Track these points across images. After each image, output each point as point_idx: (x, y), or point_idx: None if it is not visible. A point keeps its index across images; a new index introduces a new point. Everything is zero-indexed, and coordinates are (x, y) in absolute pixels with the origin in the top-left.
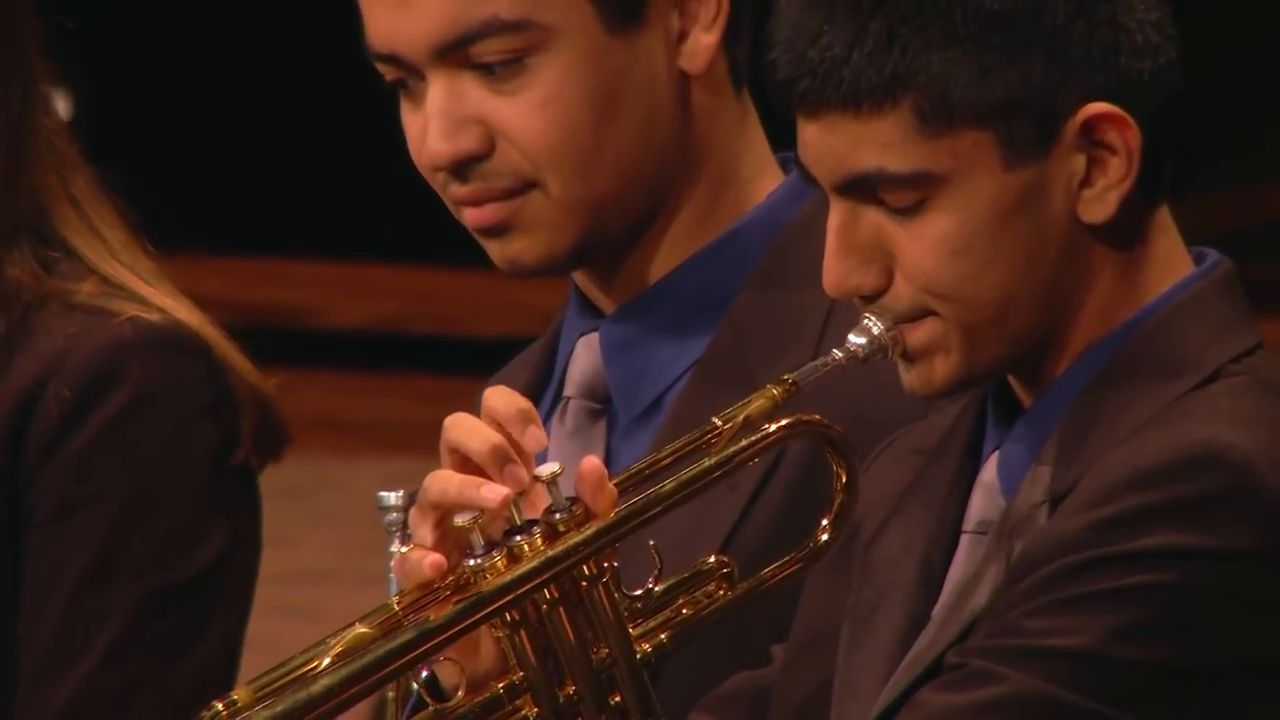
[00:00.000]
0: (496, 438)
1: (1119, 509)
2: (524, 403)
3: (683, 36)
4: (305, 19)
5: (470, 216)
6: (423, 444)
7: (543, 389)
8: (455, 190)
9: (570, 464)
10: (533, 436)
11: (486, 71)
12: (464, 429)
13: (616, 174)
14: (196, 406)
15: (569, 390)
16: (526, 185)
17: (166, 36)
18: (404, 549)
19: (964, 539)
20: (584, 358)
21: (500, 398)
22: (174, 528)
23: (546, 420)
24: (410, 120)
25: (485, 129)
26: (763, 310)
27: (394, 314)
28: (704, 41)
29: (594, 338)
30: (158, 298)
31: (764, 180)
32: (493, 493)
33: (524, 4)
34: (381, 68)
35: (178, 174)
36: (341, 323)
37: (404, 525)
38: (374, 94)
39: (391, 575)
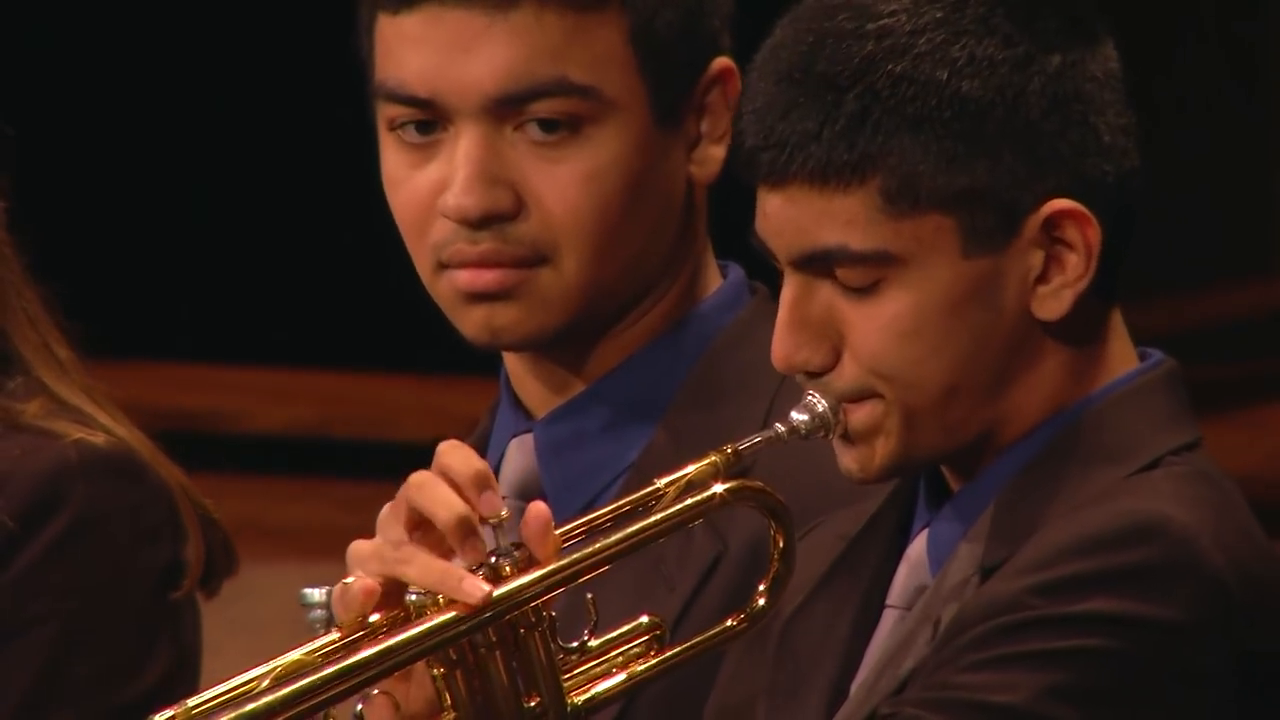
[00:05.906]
0: (462, 508)
1: (1059, 573)
2: (480, 464)
3: (695, 144)
4: (202, 132)
5: (467, 279)
6: (343, 549)
7: None
8: (462, 249)
9: None
10: (489, 503)
11: (536, 131)
12: (429, 496)
13: (623, 265)
14: (139, 530)
15: (503, 490)
16: (539, 259)
17: (75, 146)
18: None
19: (887, 613)
20: (516, 459)
21: (457, 457)
22: (116, 653)
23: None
24: (408, 174)
25: (516, 192)
26: (700, 415)
27: (314, 419)
28: (713, 153)
29: (527, 439)
30: (105, 419)
31: (707, 286)
32: (474, 588)
33: (593, 72)
34: (399, 110)
35: (93, 279)
36: (261, 428)
37: (328, 622)
38: (295, 202)
39: None
